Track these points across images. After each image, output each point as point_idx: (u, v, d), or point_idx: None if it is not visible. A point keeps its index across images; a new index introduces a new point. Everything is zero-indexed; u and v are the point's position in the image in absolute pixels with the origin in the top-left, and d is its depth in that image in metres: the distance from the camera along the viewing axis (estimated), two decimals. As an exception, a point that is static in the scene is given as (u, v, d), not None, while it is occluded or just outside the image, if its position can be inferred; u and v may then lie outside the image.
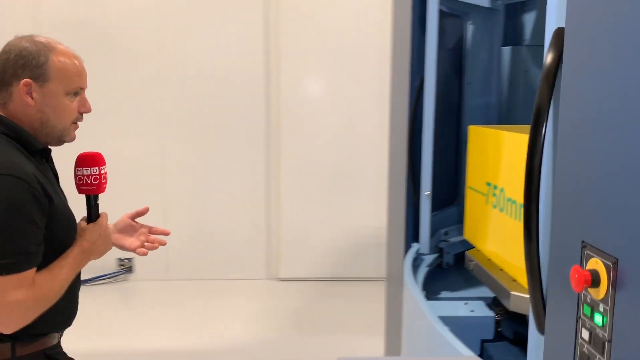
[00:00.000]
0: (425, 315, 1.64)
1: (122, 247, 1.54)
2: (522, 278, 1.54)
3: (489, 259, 1.79)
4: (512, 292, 1.51)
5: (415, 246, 2.28)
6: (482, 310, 1.72)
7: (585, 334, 0.88)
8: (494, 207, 1.75)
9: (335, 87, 4.89)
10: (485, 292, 2.09)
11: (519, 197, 1.56)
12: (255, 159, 4.80)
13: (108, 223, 1.43)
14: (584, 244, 0.89)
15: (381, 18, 4.76)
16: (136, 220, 1.56)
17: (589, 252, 0.87)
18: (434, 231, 2.36)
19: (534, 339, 1.19)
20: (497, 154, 1.74)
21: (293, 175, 4.81)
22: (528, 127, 1.82)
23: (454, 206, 2.53)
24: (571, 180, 0.94)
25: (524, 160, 1.54)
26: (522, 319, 1.65)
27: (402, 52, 2.30)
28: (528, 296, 1.46)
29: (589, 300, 0.87)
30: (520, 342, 1.65)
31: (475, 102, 2.58)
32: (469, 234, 2.02)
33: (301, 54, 4.75)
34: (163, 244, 1.55)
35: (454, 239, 2.35)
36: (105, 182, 1.40)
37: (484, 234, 1.85)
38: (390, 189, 2.66)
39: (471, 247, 2.43)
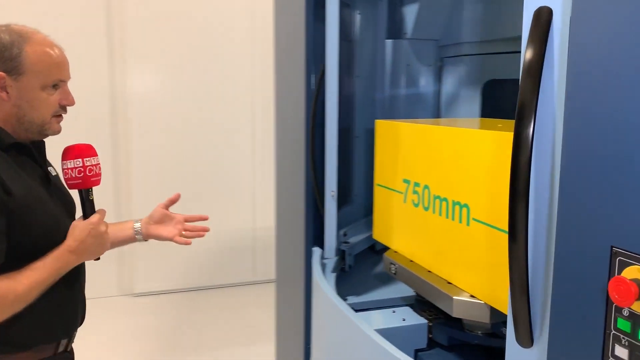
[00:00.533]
0: (358, 329, 1.47)
1: (160, 238, 1.58)
2: (457, 279, 1.45)
3: (411, 261, 1.69)
4: (456, 297, 1.41)
5: (316, 251, 2.11)
6: (413, 318, 1.60)
7: (621, 352, 0.78)
8: (416, 205, 1.65)
9: (194, 82, 4.55)
10: (393, 293, 2.01)
11: (449, 194, 1.47)
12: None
13: (105, 220, 1.38)
14: (614, 250, 0.78)
15: (249, 5, 4.53)
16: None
17: (624, 259, 0.77)
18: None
19: (514, 351, 1.08)
20: (417, 149, 1.64)
21: (145, 179, 4.38)
22: (438, 120, 1.69)
23: (348, 205, 2.41)
24: (589, 178, 0.84)
25: (452, 155, 1.48)
26: (453, 323, 1.56)
27: (295, 43, 2.11)
28: (474, 300, 1.37)
29: (625, 314, 0.77)
30: (454, 348, 1.57)
31: (364, 96, 2.49)
32: (380, 235, 1.90)
33: (147, 44, 4.34)
34: (207, 230, 1.61)
35: (353, 240, 2.24)
36: (94, 175, 1.36)
37: (403, 234, 1.74)
38: (278, 189, 2.46)
39: (365, 247, 2.35)
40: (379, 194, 1.90)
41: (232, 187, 4.67)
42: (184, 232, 1.57)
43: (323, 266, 2.04)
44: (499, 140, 1.28)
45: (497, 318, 1.39)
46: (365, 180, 2.54)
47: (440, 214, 1.53)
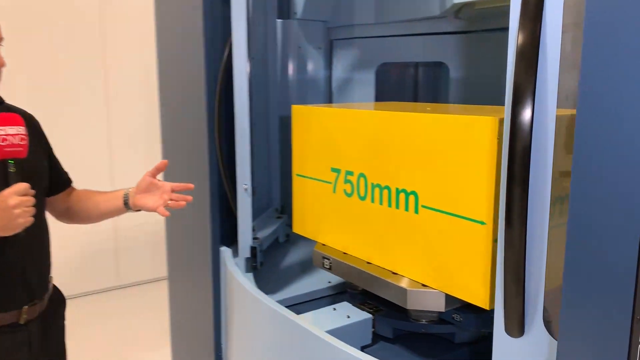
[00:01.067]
0: (306, 331, 1.36)
1: (146, 208, 1.52)
2: (405, 269, 1.40)
3: (345, 253, 1.60)
4: (410, 289, 1.36)
5: (225, 251, 1.93)
6: (356, 313, 1.52)
7: (656, 336, 0.77)
8: (349, 195, 1.56)
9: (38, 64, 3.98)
10: (314, 285, 1.92)
11: (391, 182, 1.41)
12: None
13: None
14: (646, 233, 0.77)
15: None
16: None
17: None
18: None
19: (502, 342, 1.05)
20: (349, 136, 1.54)
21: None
22: (360, 105, 1.63)
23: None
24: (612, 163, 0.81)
25: (396, 141, 1.41)
26: (396, 313, 1.52)
27: (191, 19, 1.89)
28: (429, 290, 1.33)
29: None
30: (399, 339, 1.53)
31: (258, 80, 2.34)
32: (302, 228, 1.79)
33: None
34: (189, 200, 1.52)
35: (262, 235, 2.09)
36: (9, 146, 1.32)
37: (333, 226, 1.64)
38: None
39: (271, 241, 2.23)
40: (299, 185, 1.78)
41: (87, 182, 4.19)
42: (169, 202, 1.51)
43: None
44: (454, 124, 1.24)
45: (451, 305, 1.36)
46: (266, 169, 2.40)
47: (380, 203, 1.46)
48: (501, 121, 1.16)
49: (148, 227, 4.35)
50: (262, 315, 1.56)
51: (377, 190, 1.47)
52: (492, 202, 1.18)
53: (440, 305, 1.35)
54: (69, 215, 1.67)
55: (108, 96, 4.25)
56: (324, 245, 1.69)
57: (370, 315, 1.50)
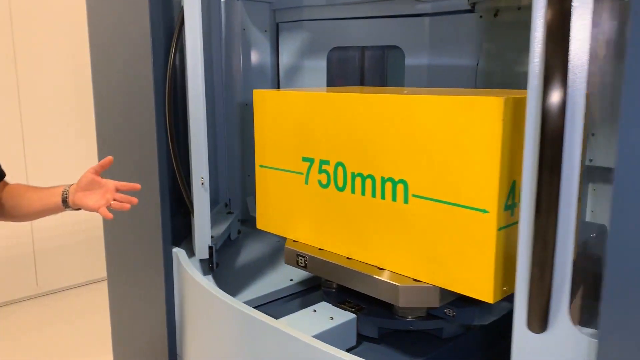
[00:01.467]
0: (292, 338, 1.23)
1: (86, 207, 1.37)
2: (393, 264, 1.31)
3: (320, 249, 1.48)
4: (402, 285, 1.26)
5: (178, 252, 1.75)
6: (339, 314, 1.41)
7: None
8: (324, 186, 1.44)
9: None
10: (278, 284, 1.79)
11: (376, 170, 1.31)
12: None
13: None
14: None
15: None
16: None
17: None
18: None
19: (522, 337, 0.97)
20: (324, 121, 1.42)
21: None
22: (330, 89, 1.52)
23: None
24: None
25: (382, 126, 1.29)
26: (380, 310, 1.42)
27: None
28: (422, 285, 1.24)
29: None
30: (383, 339, 1.43)
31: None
32: (268, 224, 1.65)
33: None
34: (134, 202, 1.37)
35: (216, 233, 1.93)
36: None
37: (305, 221, 1.51)
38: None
39: (224, 239, 2.07)
40: (263, 177, 1.63)
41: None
42: (112, 202, 1.35)
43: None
44: (456, 105, 1.15)
45: (445, 300, 1.28)
46: (212, 162, 2.22)
47: (363, 194, 1.35)
48: (507, 102, 1.08)
49: (66, 228, 4.01)
50: (235, 322, 1.40)
51: (358, 180, 1.36)
52: (496, 189, 1.11)
53: (434, 301, 1.26)
54: (1, 212, 1.43)
55: (20, 86, 3.84)
56: (295, 241, 1.56)
57: (354, 316, 1.39)
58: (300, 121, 1.49)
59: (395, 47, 2.20)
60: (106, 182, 1.38)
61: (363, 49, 2.41)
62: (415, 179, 1.24)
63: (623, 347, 0.84)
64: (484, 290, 1.15)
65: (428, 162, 1.21)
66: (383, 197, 1.31)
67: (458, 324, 1.39)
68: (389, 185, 1.29)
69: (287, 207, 1.57)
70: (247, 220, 2.45)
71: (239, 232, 2.29)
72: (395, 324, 1.39)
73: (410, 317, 1.39)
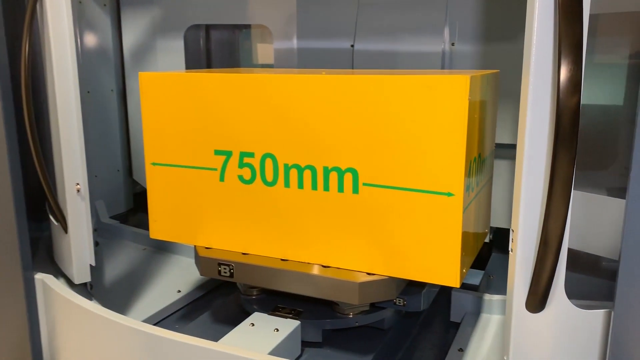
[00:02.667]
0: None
1: None
2: (343, 259, 1.21)
3: (244, 254, 1.30)
4: (362, 281, 1.16)
5: (45, 277, 1.40)
6: (282, 324, 1.24)
7: None
8: (247, 181, 1.26)
9: None
10: (162, 301, 1.56)
11: (317, 160, 1.19)
12: None
13: None
14: None
15: None
16: None
17: None
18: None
19: (520, 318, 0.95)
20: (243, 108, 1.23)
21: None
22: (242, 70, 1.42)
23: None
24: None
25: (324, 111, 1.16)
26: (319, 313, 1.31)
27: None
28: (380, 278, 1.17)
29: None
30: (325, 341, 1.32)
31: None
32: (168, 232, 1.39)
33: None
34: None
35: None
36: None
37: (222, 224, 1.31)
38: None
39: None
40: (156, 177, 1.37)
41: None
42: None
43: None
44: (417, 85, 1.07)
45: (399, 290, 1.22)
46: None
47: (300, 187, 1.21)
48: (473, 80, 1.05)
49: None
50: (160, 352, 1.15)
51: (293, 172, 1.21)
52: (462, 171, 1.07)
53: (392, 293, 1.19)
54: None
55: None
56: (208, 248, 1.35)
57: (298, 322, 1.25)
58: (208, 109, 1.28)
59: (263, 27, 2.05)
60: None
61: (228, 27, 2.20)
62: (366, 167, 1.15)
63: (635, 320, 0.86)
64: (450, 275, 1.12)
65: (382, 147, 1.12)
66: (327, 188, 1.19)
67: (400, 312, 1.35)
68: (334, 175, 1.18)
69: (194, 210, 1.34)
70: (98, 228, 2.09)
71: (96, 244, 1.93)
72: (340, 323, 1.29)
73: (351, 313, 1.30)
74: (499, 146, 1.52)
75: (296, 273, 1.22)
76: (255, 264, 1.26)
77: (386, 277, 1.17)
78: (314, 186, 1.20)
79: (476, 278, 1.74)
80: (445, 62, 1.81)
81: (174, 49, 2.05)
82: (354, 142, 1.14)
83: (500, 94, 1.43)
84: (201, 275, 1.32)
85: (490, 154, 1.38)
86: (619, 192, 1.63)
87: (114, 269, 1.81)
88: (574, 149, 0.83)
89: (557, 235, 0.87)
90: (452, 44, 1.79)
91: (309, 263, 1.24)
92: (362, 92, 1.11)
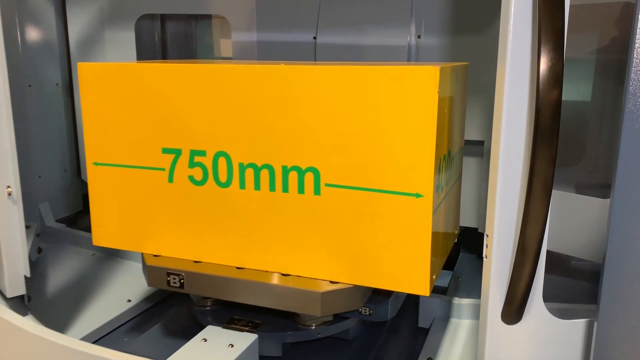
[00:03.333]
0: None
1: None
2: (303, 267, 1.12)
3: (197, 262, 1.19)
4: (324, 291, 1.06)
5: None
6: (240, 339, 1.13)
7: None
8: (199, 183, 1.15)
9: None
10: (110, 312, 1.44)
11: (271, 158, 1.09)
12: None
13: None
14: None
15: None
16: None
17: None
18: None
19: (495, 329, 0.88)
20: (194, 102, 1.13)
21: None
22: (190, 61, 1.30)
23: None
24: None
25: (275, 105, 1.06)
26: (278, 325, 1.21)
27: None
28: (343, 287, 1.08)
29: None
30: (285, 355, 1.22)
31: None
32: (111, 238, 1.27)
33: None
34: None
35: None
36: None
37: (174, 229, 1.20)
38: None
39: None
40: (99, 178, 1.25)
41: None
42: None
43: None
44: (376, 78, 0.98)
45: (365, 299, 1.13)
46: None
47: (257, 188, 1.11)
48: (442, 71, 0.96)
49: None
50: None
51: (249, 172, 1.11)
52: (432, 169, 0.98)
53: (357, 303, 1.10)
54: None
55: None
56: (156, 256, 1.23)
57: (255, 336, 1.14)
58: (154, 103, 1.16)
59: (221, 18, 1.94)
60: None
61: (183, 17, 2.08)
62: (328, 166, 1.05)
63: (619, 330, 0.80)
64: (419, 283, 1.03)
65: (345, 145, 1.03)
66: (286, 189, 1.09)
67: (365, 322, 1.26)
68: (293, 175, 1.08)
69: (141, 215, 1.22)
70: (43, 233, 1.94)
71: (40, 250, 1.79)
72: (301, 335, 1.19)
73: (314, 324, 1.20)
74: (467, 143, 1.45)
75: (253, 283, 1.12)
76: (207, 273, 1.15)
77: (351, 286, 1.08)
78: (272, 187, 1.10)
79: (444, 280, 1.67)
80: (412, 56, 1.74)
81: (124, 40, 1.92)
82: (314, 139, 1.05)
83: (468, 88, 1.36)
84: (149, 285, 1.21)
85: (459, 150, 1.31)
86: (587, 189, 1.58)
87: (59, 277, 1.67)
88: (555, 146, 0.76)
89: (536, 241, 0.79)
90: (419, 37, 1.71)
91: (267, 271, 1.14)
92: (322, 84, 1.02)
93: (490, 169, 0.85)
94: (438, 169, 1.03)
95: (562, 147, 1.65)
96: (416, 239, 1.01)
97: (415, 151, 0.98)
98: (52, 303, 1.52)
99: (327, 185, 1.06)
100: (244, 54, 1.92)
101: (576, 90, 1.61)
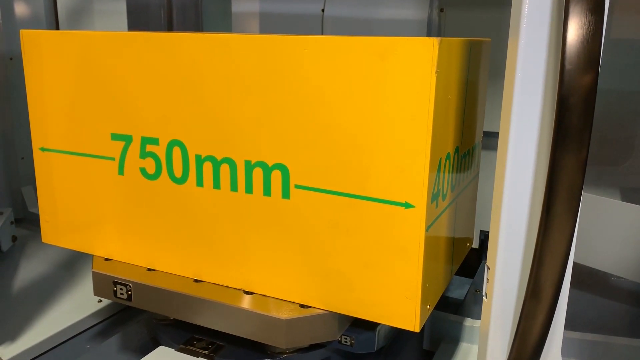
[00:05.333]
0: None
1: None
2: (268, 284, 0.92)
3: (150, 269, 1.01)
4: (288, 318, 0.86)
5: None
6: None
7: None
8: (152, 177, 0.96)
9: None
10: (70, 317, 1.27)
11: (232, 150, 0.88)
12: None
13: None
14: None
15: None
16: None
17: None
18: None
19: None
20: (147, 80, 0.93)
21: None
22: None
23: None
24: None
25: (242, 85, 0.85)
26: (241, 348, 1.02)
27: None
28: (315, 313, 0.87)
29: None
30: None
31: None
32: (60, 236, 1.10)
33: None
34: None
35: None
36: None
37: (125, 229, 1.02)
38: None
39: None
40: (46, 166, 1.07)
41: None
42: None
43: None
44: (359, 51, 0.76)
45: (343, 327, 0.92)
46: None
47: (216, 187, 0.91)
48: (442, 44, 0.73)
49: None
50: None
51: (207, 165, 0.91)
52: (425, 174, 0.76)
53: (332, 333, 0.89)
54: None
55: None
56: (107, 259, 1.05)
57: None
58: (103, 80, 0.97)
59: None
60: None
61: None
62: (299, 164, 0.84)
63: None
64: (406, 315, 0.82)
65: (320, 139, 0.81)
66: (249, 190, 0.88)
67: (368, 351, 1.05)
68: (258, 172, 0.87)
69: (91, 211, 1.04)
70: (25, 219, 1.80)
71: (14, 238, 1.64)
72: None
73: (286, 351, 1.00)
74: (487, 135, 1.21)
75: (209, 302, 0.92)
76: (158, 286, 0.96)
77: (324, 312, 0.87)
78: (234, 186, 0.90)
79: (462, 290, 1.45)
80: (432, 32, 1.49)
81: (115, 12, 1.74)
82: (283, 130, 0.84)
83: (491, 70, 1.12)
84: (94, 295, 1.03)
85: (476, 145, 1.07)
86: (634, 193, 1.33)
87: (34, 269, 1.52)
88: (585, 152, 0.52)
89: (553, 282, 0.57)
90: (441, 10, 1.47)
91: (227, 287, 0.94)
92: (292, 59, 0.80)
93: (496, 182, 0.62)
94: (437, 172, 0.80)
95: (606, 142, 1.40)
96: (404, 259, 0.79)
97: (405, 150, 0.76)
98: (16, 298, 1.37)
99: (297, 187, 0.85)
100: (244, 26, 1.71)
101: (624, 75, 1.34)
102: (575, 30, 0.50)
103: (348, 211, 0.82)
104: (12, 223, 1.64)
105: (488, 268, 0.65)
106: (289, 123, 0.83)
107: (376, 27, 1.54)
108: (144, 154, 0.96)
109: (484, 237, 1.52)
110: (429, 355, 1.20)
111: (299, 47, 0.80)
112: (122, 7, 1.74)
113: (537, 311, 0.58)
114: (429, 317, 1.19)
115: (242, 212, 0.90)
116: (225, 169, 0.90)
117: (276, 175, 0.86)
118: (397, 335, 1.22)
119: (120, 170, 0.99)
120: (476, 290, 1.47)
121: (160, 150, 0.94)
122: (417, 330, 0.82)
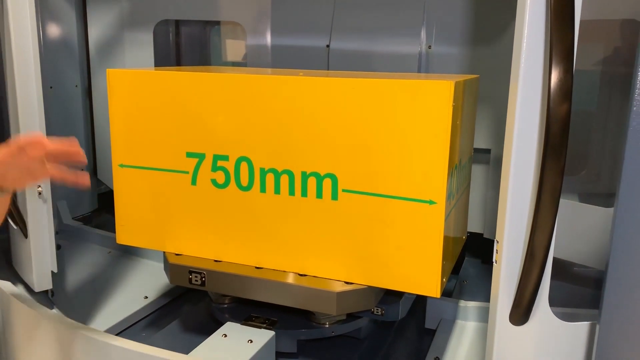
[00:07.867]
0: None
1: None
2: (320, 268, 1.18)
3: (217, 261, 1.25)
4: (340, 291, 1.12)
5: (2, 284, 1.32)
6: (256, 335, 1.19)
7: None
8: (221, 186, 1.21)
9: None
10: (128, 308, 1.49)
11: (291, 164, 1.15)
12: None
13: None
14: None
15: None
16: None
17: None
18: None
19: (503, 330, 0.93)
20: (218, 109, 1.18)
21: None
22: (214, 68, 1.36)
23: None
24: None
25: (297, 114, 1.12)
26: (293, 323, 1.27)
27: None
28: (358, 287, 1.13)
29: None
30: (301, 352, 1.27)
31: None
32: (134, 237, 1.33)
33: None
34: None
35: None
36: None
37: (195, 229, 1.26)
38: None
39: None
40: (124, 179, 1.31)
41: None
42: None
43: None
44: (393, 90, 1.04)
45: (377, 299, 1.19)
46: None
47: (277, 192, 1.17)
48: (457, 85, 1.02)
49: None
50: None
51: (270, 176, 1.17)
52: (444, 178, 1.04)
53: (370, 303, 1.16)
54: None
55: None
56: (178, 255, 1.29)
57: (273, 333, 1.20)
58: (180, 109, 1.22)
59: (237, 24, 1.99)
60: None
61: (200, 23, 2.14)
62: (345, 173, 1.11)
63: (620, 332, 0.85)
64: (430, 285, 1.09)
65: (362, 153, 1.09)
66: (304, 194, 1.14)
67: (376, 321, 1.31)
68: (312, 180, 1.13)
69: (164, 215, 1.28)
70: (61, 231, 2.00)
71: (59, 247, 1.84)
72: (316, 333, 1.25)
73: (327, 323, 1.26)
74: (474, 151, 1.50)
75: (271, 282, 1.17)
76: (228, 272, 1.21)
77: (364, 287, 1.14)
78: (292, 192, 1.16)
79: (450, 283, 1.73)
80: (422, 65, 1.79)
81: (143, 44, 1.98)
82: (333, 147, 1.10)
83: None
84: (171, 283, 1.26)
85: (468, 159, 1.36)
86: (590, 198, 1.63)
87: (77, 274, 1.73)
88: (563, 159, 0.81)
89: (544, 247, 0.85)
90: (429, 47, 1.77)
91: (284, 271, 1.20)
92: (342, 95, 1.07)
93: (502, 179, 0.90)
94: (450, 178, 1.08)
95: (567, 155, 1.71)
96: (428, 243, 1.07)
97: (429, 160, 1.04)
98: (71, 299, 1.58)
99: (344, 190, 1.12)
100: (257, 59, 1.97)
101: (582, 100, 1.65)
102: (555, 80, 0.79)
103: (384, 208, 1.09)
104: (56, 233, 1.84)
105: (497, 242, 0.93)
106: (337, 143, 1.10)
107: (375, 60, 1.82)
108: (215, 168, 1.21)
109: (468, 236, 1.81)
110: (431, 332, 1.46)
111: (346, 87, 1.07)
112: (150, 40, 1.97)
113: (533, 267, 0.86)
114: (428, 300, 1.47)
115: (298, 212, 1.16)
116: (285, 179, 1.16)
117: (327, 182, 1.12)
118: (404, 316, 1.49)
119: (193, 182, 1.23)
120: (463, 281, 1.75)
121: (229, 165, 1.20)
122: (438, 296, 1.09)
